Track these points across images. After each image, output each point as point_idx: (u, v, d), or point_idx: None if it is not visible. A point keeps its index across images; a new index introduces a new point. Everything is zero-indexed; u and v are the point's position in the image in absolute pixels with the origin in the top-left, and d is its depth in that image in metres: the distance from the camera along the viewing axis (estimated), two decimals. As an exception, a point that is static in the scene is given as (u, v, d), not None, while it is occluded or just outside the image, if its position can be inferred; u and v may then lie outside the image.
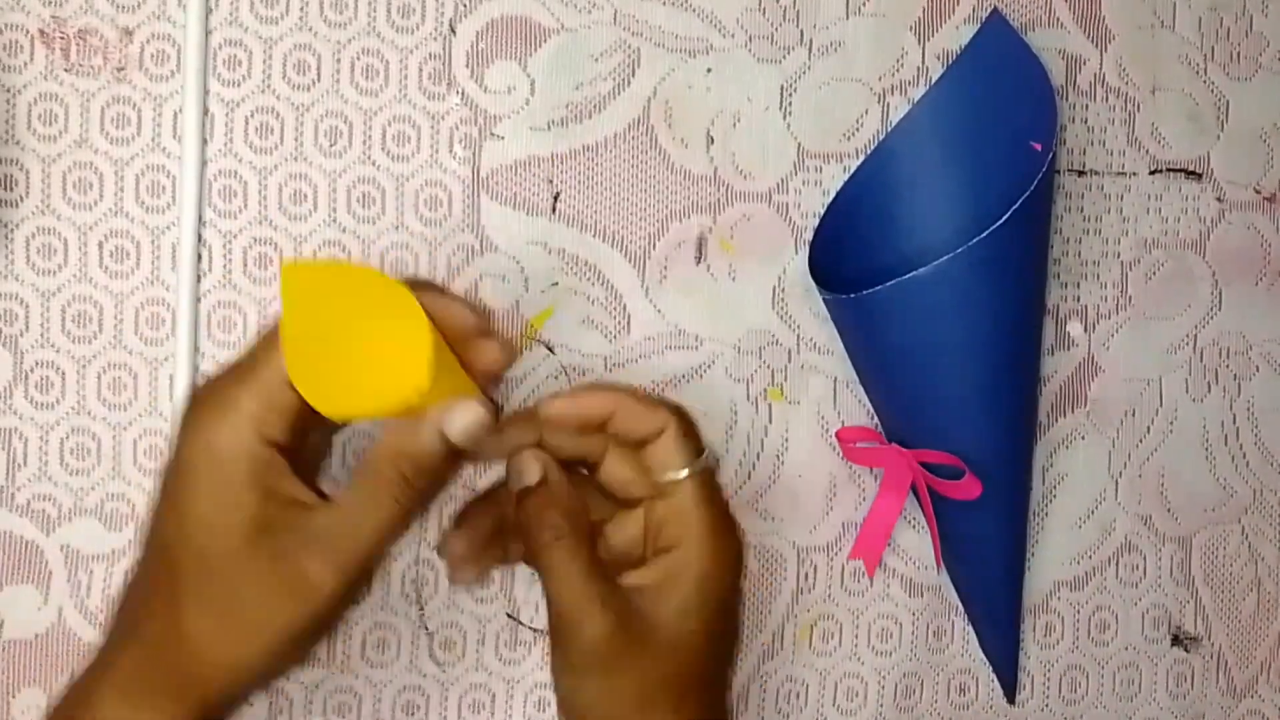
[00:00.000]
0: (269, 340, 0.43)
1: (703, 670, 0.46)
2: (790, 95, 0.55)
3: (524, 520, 0.46)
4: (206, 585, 0.41)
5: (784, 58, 0.55)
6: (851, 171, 0.54)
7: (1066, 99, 0.56)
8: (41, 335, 0.51)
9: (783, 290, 0.55)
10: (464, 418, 0.42)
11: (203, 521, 0.42)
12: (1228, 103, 0.58)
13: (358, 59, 0.52)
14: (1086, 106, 0.56)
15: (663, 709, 0.45)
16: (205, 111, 0.52)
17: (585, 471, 0.48)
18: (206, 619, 0.41)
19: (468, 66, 0.53)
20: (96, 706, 0.41)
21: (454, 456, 0.43)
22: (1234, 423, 0.58)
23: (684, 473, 0.46)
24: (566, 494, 0.46)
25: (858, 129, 0.55)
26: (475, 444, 0.43)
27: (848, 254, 0.53)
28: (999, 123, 0.53)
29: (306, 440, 0.44)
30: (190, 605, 0.41)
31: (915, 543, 0.56)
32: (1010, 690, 0.56)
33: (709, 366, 0.55)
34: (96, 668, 0.42)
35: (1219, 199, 0.57)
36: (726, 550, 0.46)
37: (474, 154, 0.53)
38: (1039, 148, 0.52)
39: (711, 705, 0.47)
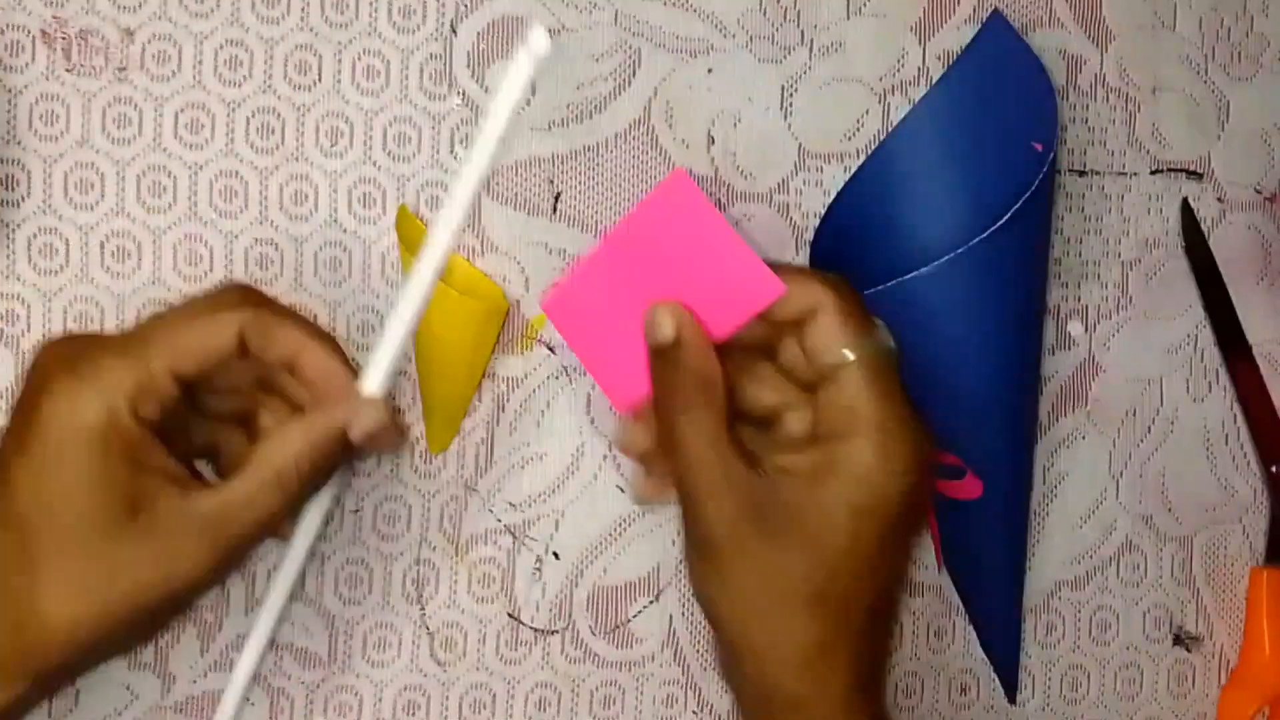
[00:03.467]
0: (159, 323, 0.43)
1: (848, 586, 0.42)
2: (791, 95, 0.55)
3: (654, 384, 0.43)
4: (69, 559, 0.40)
5: (785, 58, 0.55)
6: (852, 172, 0.54)
7: (1067, 99, 0.56)
8: (43, 336, 0.51)
9: (783, 290, 0.55)
10: (369, 419, 0.43)
11: (67, 494, 0.40)
12: (1228, 103, 0.58)
13: (359, 59, 0.52)
14: (1087, 106, 0.56)
15: (792, 613, 0.41)
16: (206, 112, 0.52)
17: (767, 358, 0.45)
18: (63, 592, 0.40)
19: (469, 67, 0.53)
20: None
21: (347, 452, 0.44)
22: (1234, 422, 0.58)
23: (847, 356, 0.42)
24: (702, 359, 0.43)
25: (858, 129, 0.55)
26: (373, 441, 0.44)
27: (848, 254, 0.53)
28: (999, 123, 0.53)
29: (183, 433, 0.44)
30: (47, 578, 0.40)
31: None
32: (1011, 690, 0.56)
33: (710, 366, 0.55)
34: None
35: (1219, 199, 0.58)
36: (897, 452, 0.42)
37: (475, 154, 0.53)
38: (1040, 148, 0.52)
39: (861, 621, 0.43)
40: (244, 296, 0.44)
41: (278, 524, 0.43)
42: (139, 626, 0.42)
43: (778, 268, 0.43)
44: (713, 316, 0.43)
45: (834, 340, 0.42)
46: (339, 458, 0.44)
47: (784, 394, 0.45)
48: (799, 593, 0.41)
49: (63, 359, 0.42)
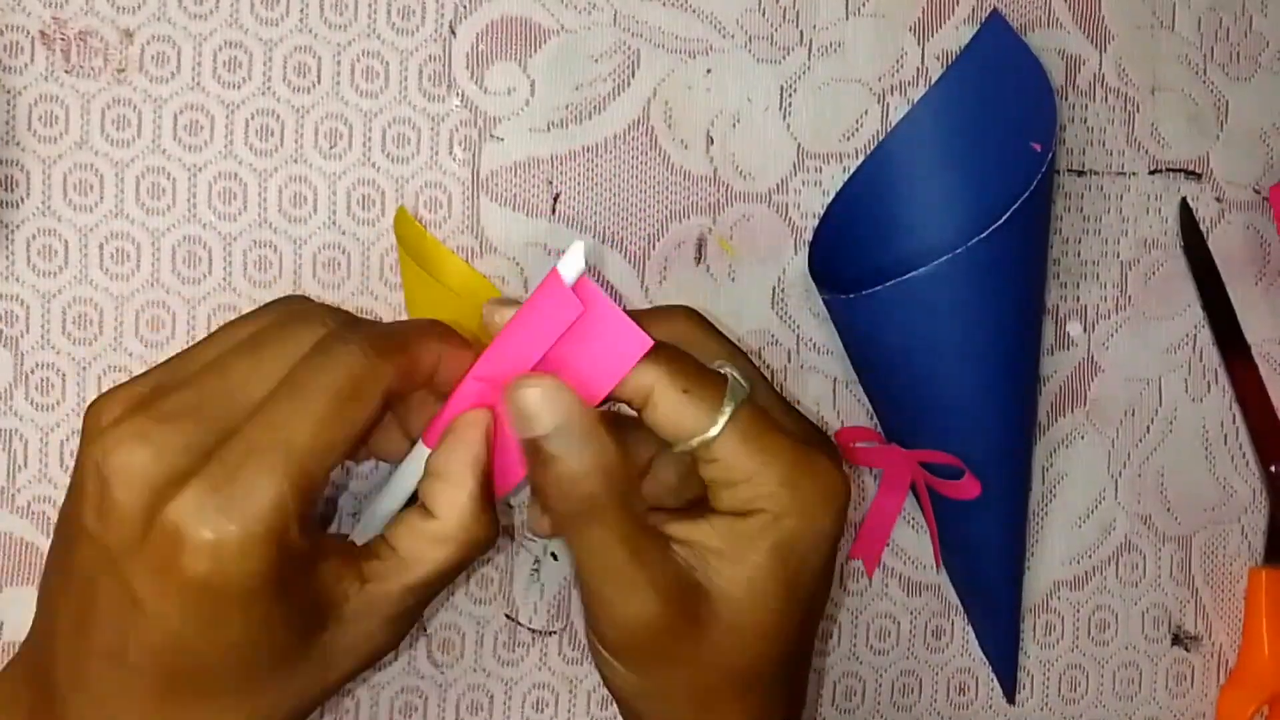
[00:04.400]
0: (296, 415, 0.35)
1: (779, 655, 0.38)
2: (790, 95, 0.55)
3: (536, 487, 0.38)
4: (249, 692, 0.36)
5: (784, 58, 0.55)
6: (851, 172, 0.54)
7: (1066, 99, 0.56)
8: (42, 337, 0.51)
9: (783, 290, 0.55)
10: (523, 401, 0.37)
11: (231, 655, 0.35)
12: (1227, 103, 0.58)
13: (358, 61, 0.52)
14: (1086, 106, 0.56)
15: (726, 705, 0.38)
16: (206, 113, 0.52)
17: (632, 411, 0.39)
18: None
19: (468, 68, 0.53)
20: None
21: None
22: (1234, 422, 0.58)
23: (713, 430, 0.37)
24: (595, 444, 0.37)
25: (858, 129, 0.55)
26: None
27: (848, 254, 0.53)
28: (999, 123, 0.53)
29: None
30: (223, 705, 0.36)
31: (915, 542, 0.56)
32: (1010, 690, 0.56)
33: (709, 367, 0.55)
34: None
35: (1218, 199, 0.57)
36: (813, 499, 0.38)
37: (474, 155, 0.53)
38: (1039, 148, 0.52)
39: (788, 692, 0.40)
40: (372, 348, 0.37)
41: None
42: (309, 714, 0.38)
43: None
44: (580, 384, 0.38)
45: (687, 416, 0.37)
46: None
47: (650, 445, 0.40)
48: (735, 682, 0.38)
49: (196, 498, 0.34)
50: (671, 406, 0.37)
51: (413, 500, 0.41)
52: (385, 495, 0.41)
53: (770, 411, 0.39)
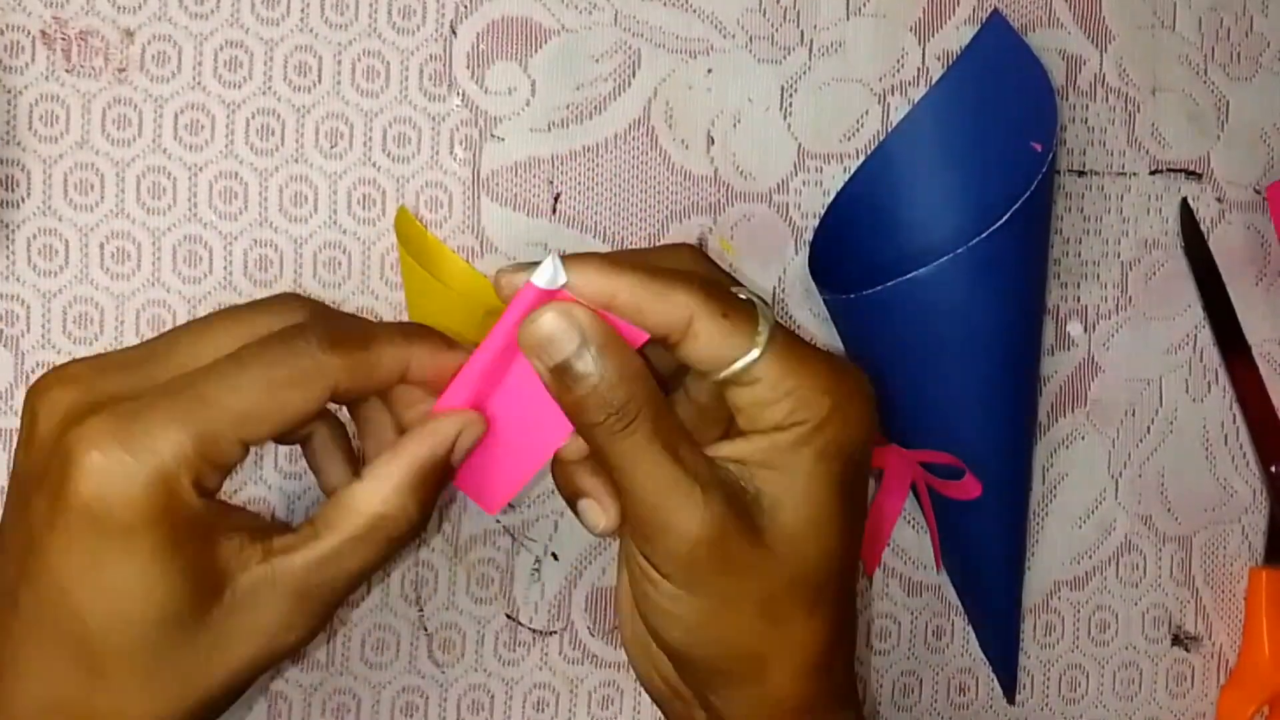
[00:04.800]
0: (222, 381, 0.35)
1: (840, 563, 0.38)
2: (790, 96, 0.55)
3: (571, 416, 0.37)
4: (136, 666, 0.35)
5: (784, 58, 0.55)
6: (852, 172, 0.54)
7: (1066, 99, 0.56)
8: (42, 336, 0.51)
9: (783, 290, 0.55)
10: (470, 435, 0.39)
11: (129, 593, 0.34)
12: (1228, 103, 0.58)
13: (358, 60, 0.52)
14: (1086, 107, 0.56)
15: (791, 620, 0.37)
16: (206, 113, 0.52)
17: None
18: (134, 703, 0.35)
19: (468, 68, 0.53)
20: None
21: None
22: (1234, 422, 0.58)
23: (750, 356, 0.36)
24: (621, 358, 0.36)
25: (858, 129, 0.55)
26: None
27: (848, 254, 0.53)
28: (999, 123, 0.53)
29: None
30: (113, 691, 0.35)
31: (915, 542, 0.56)
32: (1010, 690, 0.56)
33: (709, 367, 0.55)
34: None
35: (1219, 199, 0.58)
36: (848, 404, 0.37)
37: (474, 155, 0.53)
38: (1039, 148, 0.52)
39: (852, 606, 0.39)
40: (327, 340, 0.37)
41: (378, 568, 0.38)
42: (219, 707, 0.37)
43: (632, 272, 0.37)
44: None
45: (727, 342, 0.36)
46: (442, 485, 0.39)
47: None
48: (803, 595, 0.37)
49: (97, 423, 0.34)
50: (713, 334, 0.36)
51: None
52: None
53: (799, 339, 0.39)
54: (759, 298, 0.39)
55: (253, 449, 0.37)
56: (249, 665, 0.36)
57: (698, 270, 0.40)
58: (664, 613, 0.38)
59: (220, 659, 0.36)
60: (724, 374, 0.37)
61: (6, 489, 0.37)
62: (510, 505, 0.53)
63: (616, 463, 0.37)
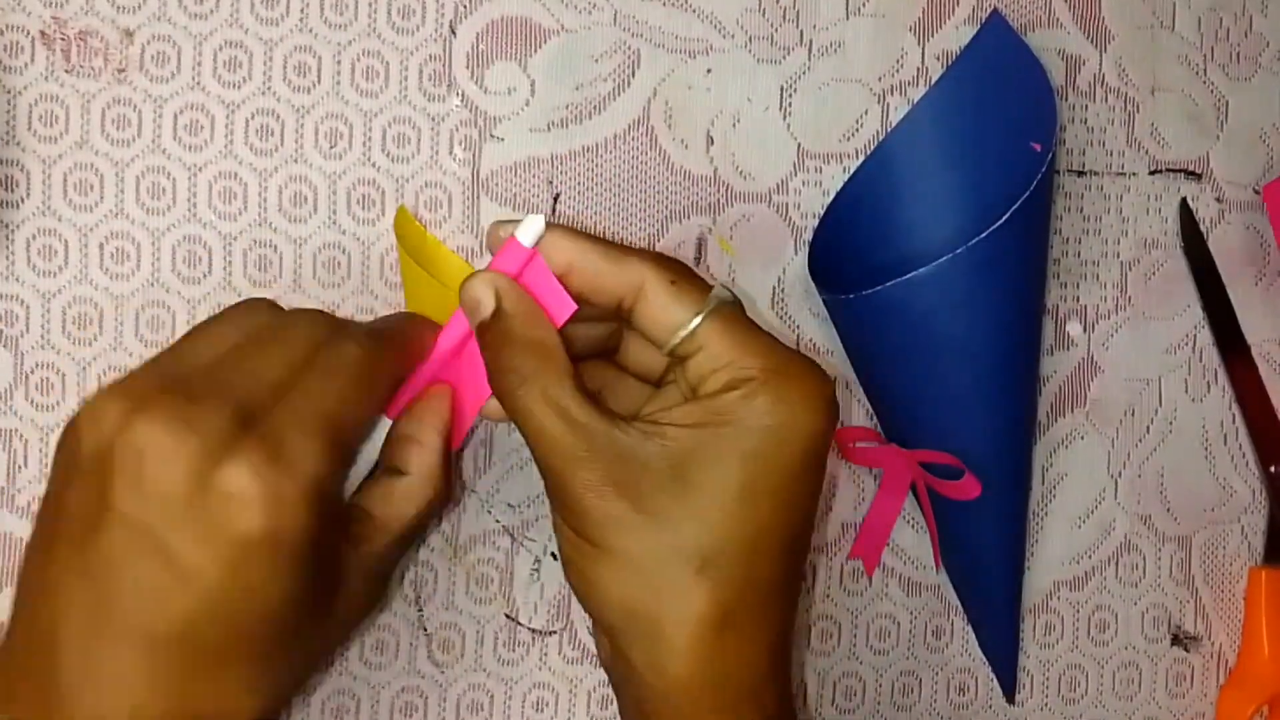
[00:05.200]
0: (321, 381, 0.39)
1: (747, 549, 0.38)
2: (790, 95, 0.55)
3: (488, 367, 0.40)
4: (259, 664, 0.38)
5: (784, 58, 0.55)
6: (851, 172, 0.54)
7: (1066, 99, 0.56)
8: (42, 337, 0.51)
9: (783, 290, 0.55)
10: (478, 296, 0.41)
11: (258, 612, 0.37)
12: (1227, 103, 0.58)
13: (358, 60, 0.52)
14: (1086, 107, 0.56)
15: (683, 582, 0.38)
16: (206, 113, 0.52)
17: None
18: (252, 694, 0.38)
19: (468, 68, 0.53)
20: None
21: None
22: (1234, 422, 0.58)
23: (693, 323, 0.39)
24: (531, 324, 0.40)
25: (858, 129, 0.55)
26: None
27: (848, 254, 0.53)
28: (999, 123, 0.53)
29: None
30: (230, 685, 0.38)
31: (914, 542, 0.56)
32: (1009, 690, 0.56)
33: (709, 367, 0.55)
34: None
35: (1218, 199, 0.58)
36: (791, 393, 0.38)
37: (474, 155, 0.53)
38: (1039, 148, 0.52)
39: (758, 602, 0.39)
40: (377, 342, 0.41)
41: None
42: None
43: (588, 244, 0.40)
44: None
45: (673, 307, 0.39)
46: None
47: (639, 393, 0.43)
48: (690, 559, 0.38)
49: (243, 450, 0.36)
50: (660, 297, 0.39)
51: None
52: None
53: (757, 326, 0.41)
54: (728, 288, 0.41)
55: None
56: (340, 644, 0.42)
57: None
58: (565, 561, 0.41)
59: (329, 641, 0.41)
60: (670, 343, 0.39)
61: (54, 530, 0.38)
62: (510, 505, 0.53)
63: (521, 411, 0.39)
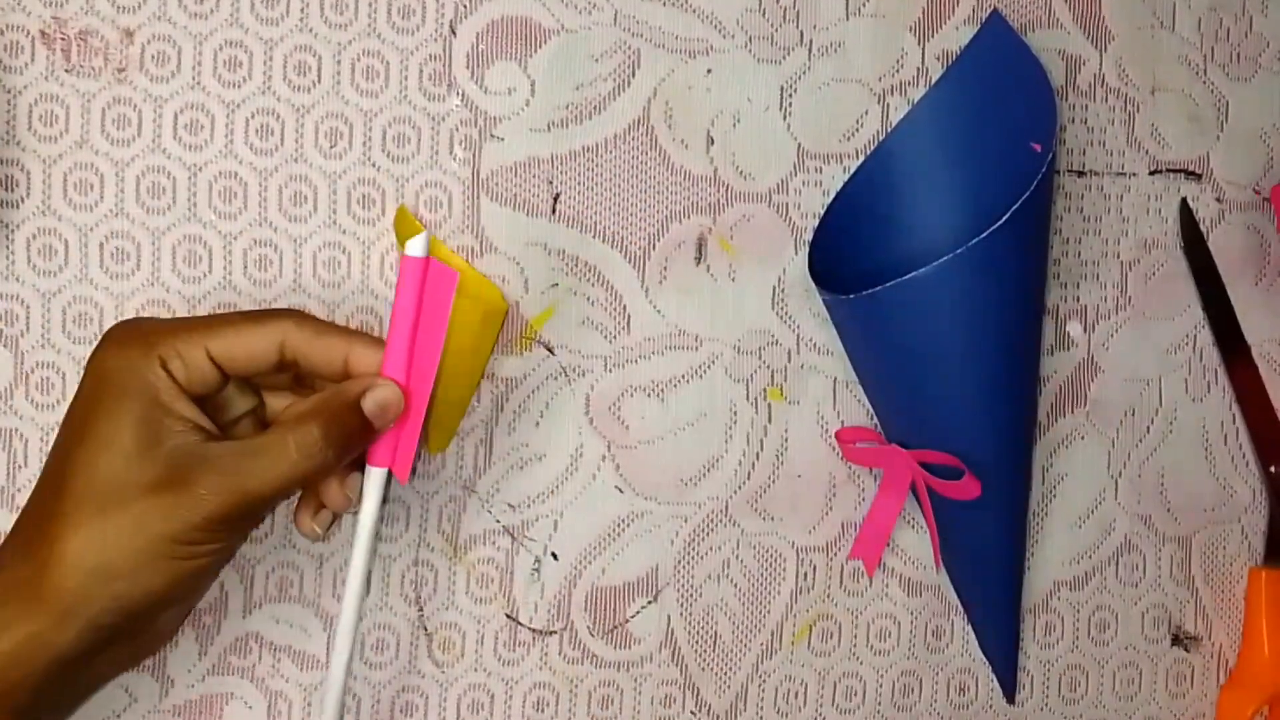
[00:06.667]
0: (211, 317, 0.45)
1: None
2: (790, 96, 0.55)
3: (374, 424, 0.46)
4: (89, 493, 0.42)
5: (784, 58, 0.55)
6: (851, 172, 0.54)
7: (1066, 99, 0.56)
8: (42, 336, 0.51)
9: (783, 290, 0.55)
10: (383, 391, 0.45)
11: (92, 434, 0.43)
12: (1227, 103, 0.58)
13: (358, 60, 0.52)
14: (1086, 107, 0.56)
15: None
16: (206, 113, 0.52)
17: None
18: (84, 525, 0.42)
19: (468, 68, 0.53)
20: None
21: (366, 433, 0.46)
22: (1234, 422, 0.58)
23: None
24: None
25: (858, 129, 0.55)
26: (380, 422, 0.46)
27: (848, 254, 0.54)
28: (999, 123, 0.53)
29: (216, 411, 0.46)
30: (70, 512, 0.42)
31: (915, 543, 0.56)
32: (1009, 690, 0.56)
33: (709, 366, 0.55)
34: None
35: (1218, 199, 0.58)
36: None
37: (474, 155, 0.53)
38: (1039, 148, 0.52)
39: None
40: (292, 313, 0.46)
41: (289, 484, 0.44)
42: (149, 560, 0.43)
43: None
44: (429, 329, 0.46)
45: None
46: (356, 433, 0.45)
47: None
48: None
49: (119, 330, 0.45)
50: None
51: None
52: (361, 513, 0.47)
53: None
54: None
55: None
56: (172, 522, 0.42)
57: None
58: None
59: (149, 505, 0.42)
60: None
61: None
62: (510, 505, 0.53)
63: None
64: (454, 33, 0.53)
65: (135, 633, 0.44)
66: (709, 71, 0.54)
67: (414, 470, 0.53)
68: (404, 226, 0.51)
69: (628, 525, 0.54)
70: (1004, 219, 0.48)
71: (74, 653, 0.42)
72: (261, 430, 0.48)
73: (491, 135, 0.53)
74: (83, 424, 0.43)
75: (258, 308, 0.52)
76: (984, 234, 0.48)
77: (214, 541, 0.43)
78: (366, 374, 0.46)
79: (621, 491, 0.54)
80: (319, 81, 0.52)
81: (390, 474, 0.47)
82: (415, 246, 0.45)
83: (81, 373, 0.44)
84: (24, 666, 0.41)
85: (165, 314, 0.52)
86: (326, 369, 0.46)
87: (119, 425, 0.43)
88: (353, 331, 0.47)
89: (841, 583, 0.56)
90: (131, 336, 0.44)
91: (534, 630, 0.54)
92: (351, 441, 0.45)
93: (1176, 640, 0.58)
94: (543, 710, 0.54)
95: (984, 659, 0.56)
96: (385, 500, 0.51)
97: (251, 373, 0.46)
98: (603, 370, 0.54)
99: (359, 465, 0.47)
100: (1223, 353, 0.57)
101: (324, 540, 0.52)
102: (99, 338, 0.44)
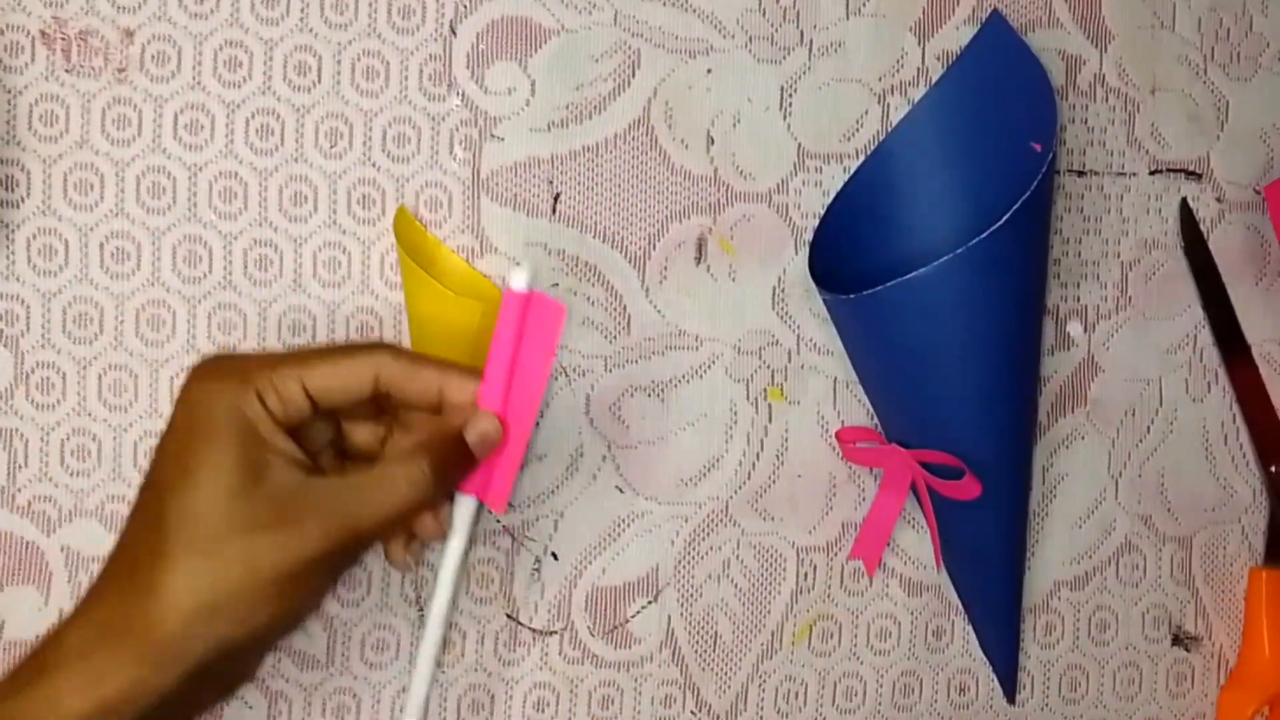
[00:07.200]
0: (304, 350, 0.46)
1: None
2: (790, 96, 0.55)
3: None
4: (191, 532, 0.41)
5: (784, 58, 0.55)
6: (851, 172, 0.54)
7: (1066, 99, 0.56)
8: (42, 336, 0.51)
9: (783, 290, 0.55)
10: (484, 422, 0.46)
11: (192, 471, 0.42)
12: (1228, 103, 0.58)
13: (358, 60, 0.52)
14: (1086, 107, 0.56)
15: None
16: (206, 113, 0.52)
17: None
18: (188, 566, 0.41)
19: (468, 68, 0.53)
20: (62, 650, 0.41)
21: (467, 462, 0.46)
22: (1234, 422, 0.58)
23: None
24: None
25: (858, 129, 0.55)
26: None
27: (848, 254, 0.54)
28: (999, 123, 0.53)
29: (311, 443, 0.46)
30: (173, 552, 0.41)
31: (915, 543, 0.56)
32: (1010, 690, 0.56)
33: (709, 366, 0.55)
34: (72, 614, 0.42)
35: (1218, 199, 0.58)
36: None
37: (474, 155, 0.53)
38: (1039, 148, 0.52)
39: None
40: (385, 346, 0.46)
41: (396, 519, 0.44)
42: (253, 598, 0.42)
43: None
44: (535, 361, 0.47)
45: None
46: (458, 464, 0.45)
47: None
48: None
49: (211, 365, 0.44)
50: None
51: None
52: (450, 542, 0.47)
53: None
54: None
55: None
56: (276, 561, 0.42)
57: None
58: None
59: (251, 542, 0.42)
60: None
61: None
62: (510, 505, 0.53)
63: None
64: (454, 33, 0.53)
65: (233, 671, 0.44)
66: (709, 71, 0.54)
67: (510, 502, 0.53)
68: (404, 227, 0.51)
69: (628, 525, 0.54)
70: (1004, 219, 0.48)
71: (175, 695, 0.41)
72: (341, 459, 0.48)
73: (491, 135, 0.53)
74: (180, 460, 0.42)
75: (260, 304, 0.51)
76: (984, 234, 0.48)
77: (320, 577, 0.43)
78: (463, 405, 0.46)
79: (621, 491, 0.54)
80: (319, 81, 0.52)
81: (480, 504, 0.47)
82: (519, 280, 0.45)
83: (175, 405, 0.44)
84: (126, 712, 0.40)
85: (166, 315, 0.52)
86: (420, 401, 0.46)
87: (219, 462, 0.42)
88: (445, 363, 0.46)
89: (842, 583, 0.56)
90: (226, 370, 0.44)
91: (534, 630, 0.54)
92: (456, 474, 0.46)
93: (1176, 640, 0.58)
94: (543, 710, 0.54)
95: (984, 659, 0.56)
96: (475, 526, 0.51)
97: (344, 405, 0.45)
98: (603, 370, 0.54)
99: (449, 495, 0.47)
100: (1223, 353, 0.57)
101: (413, 571, 0.52)
102: (190, 372, 0.44)
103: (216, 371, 0.44)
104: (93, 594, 0.43)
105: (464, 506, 0.47)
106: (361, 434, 0.48)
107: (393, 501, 0.43)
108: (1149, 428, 0.57)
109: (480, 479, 0.47)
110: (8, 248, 0.51)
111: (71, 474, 0.51)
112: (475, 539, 0.53)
